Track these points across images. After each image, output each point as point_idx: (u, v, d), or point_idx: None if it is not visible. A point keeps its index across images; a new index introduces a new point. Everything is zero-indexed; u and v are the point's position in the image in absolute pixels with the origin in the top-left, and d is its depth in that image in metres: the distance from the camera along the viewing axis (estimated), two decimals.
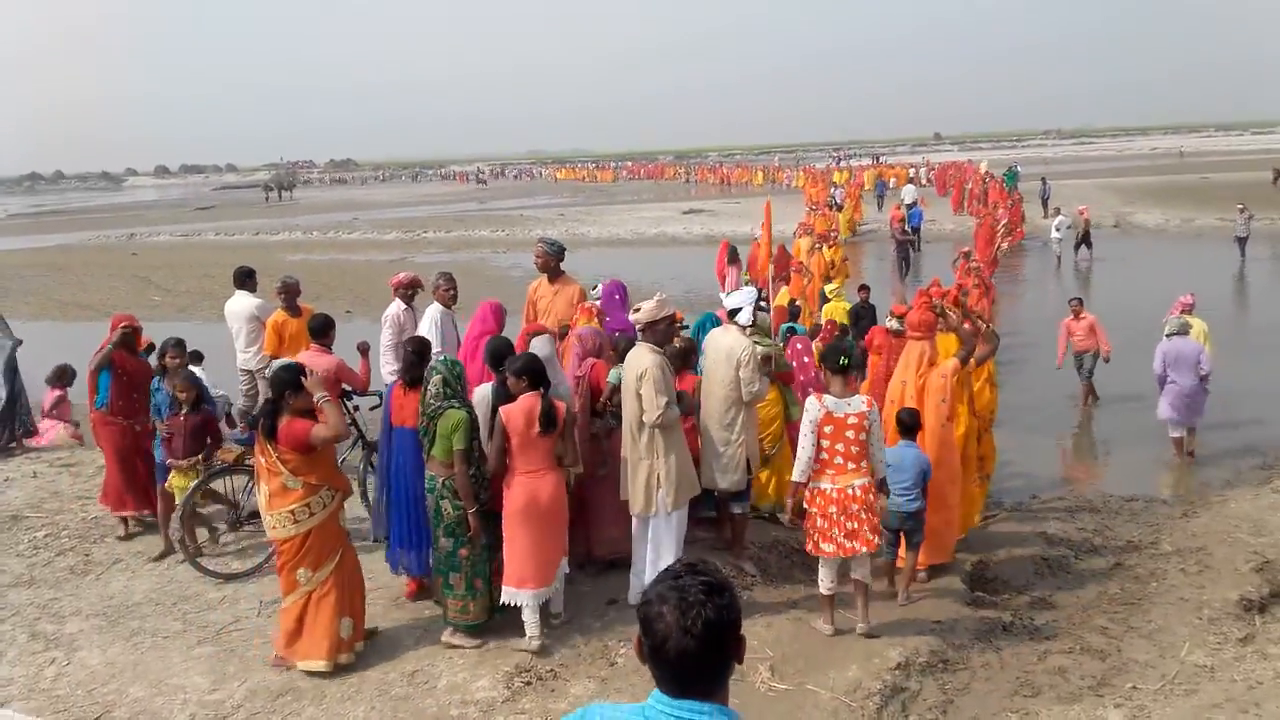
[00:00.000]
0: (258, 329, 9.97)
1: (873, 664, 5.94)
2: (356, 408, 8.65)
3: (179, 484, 7.72)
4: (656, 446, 6.31)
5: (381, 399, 9.22)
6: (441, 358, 6.50)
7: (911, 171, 58.61)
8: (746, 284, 14.57)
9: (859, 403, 6.19)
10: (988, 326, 8.75)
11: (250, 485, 7.77)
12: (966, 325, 7.97)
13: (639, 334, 6.58)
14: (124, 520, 8.44)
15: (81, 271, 34.59)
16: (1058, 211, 30.37)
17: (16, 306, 23.21)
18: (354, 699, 5.71)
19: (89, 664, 6.27)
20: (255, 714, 5.63)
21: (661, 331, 6.50)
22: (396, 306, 9.40)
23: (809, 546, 6.37)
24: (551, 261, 8.60)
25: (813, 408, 6.16)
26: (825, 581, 6.33)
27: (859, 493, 6.15)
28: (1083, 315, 13.41)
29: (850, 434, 6.15)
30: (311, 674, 5.94)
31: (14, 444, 11.16)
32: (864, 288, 15.16)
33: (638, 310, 6.51)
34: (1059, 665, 6.08)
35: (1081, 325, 13.33)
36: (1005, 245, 30.09)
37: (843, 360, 6.18)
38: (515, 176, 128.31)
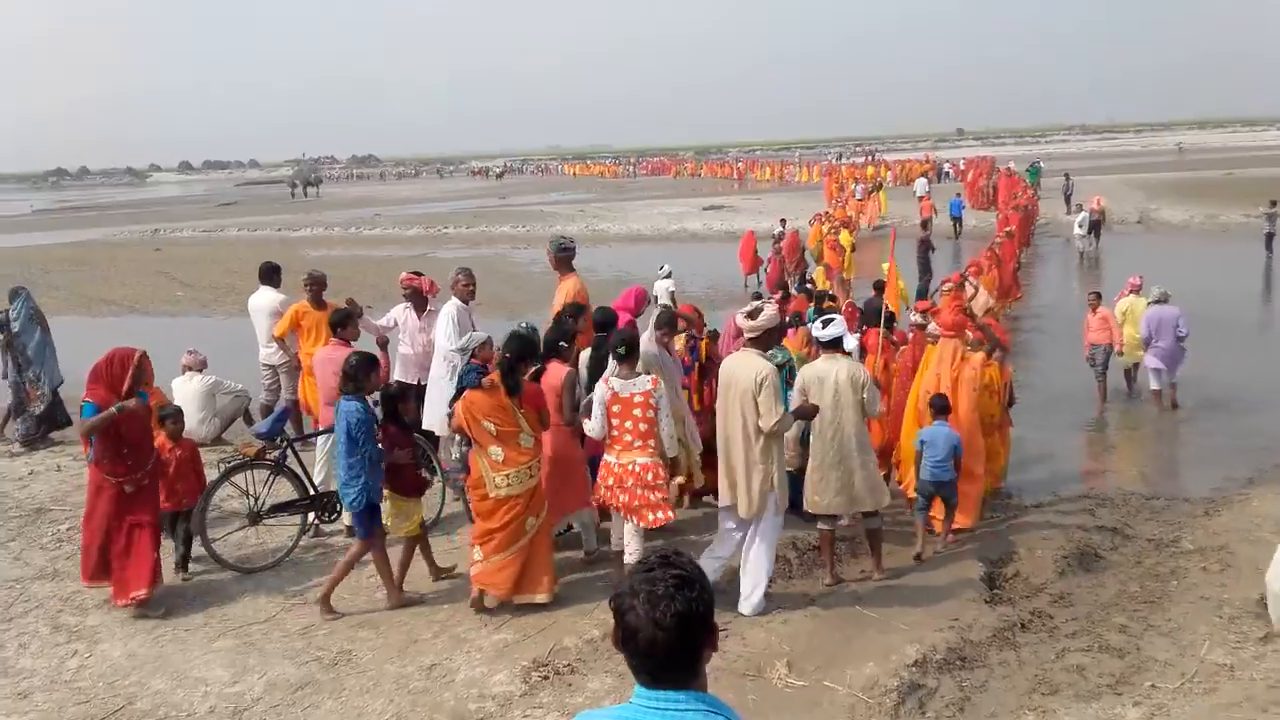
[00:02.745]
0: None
1: (890, 661, 5.93)
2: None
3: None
4: (771, 453, 6.51)
5: None
6: (524, 324, 7.38)
7: (946, 166, 58.88)
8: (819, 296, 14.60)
9: (644, 382, 6.56)
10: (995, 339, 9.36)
11: (271, 480, 7.82)
12: (990, 328, 8.86)
13: (748, 341, 6.65)
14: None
15: (106, 267, 34.86)
16: (1080, 208, 30.20)
17: (42, 301, 23.32)
18: (372, 692, 5.75)
19: (110, 656, 6.34)
20: (275, 706, 5.67)
21: (774, 338, 6.85)
22: (399, 306, 9.48)
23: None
24: (553, 259, 8.87)
25: (600, 389, 6.60)
26: (628, 547, 6.70)
27: (638, 469, 6.49)
28: (1098, 309, 13.37)
29: (637, 412, 6.50)
30: (529, 606, 6.61)
31: (38, 440, 11.24)
32: (879, 284, 15.08)
33: (754, 317, 6.64)
34: (1077, 663, 6.05)
35: (1095, 318, 13.29)
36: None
37: (622, 350, 6.59)
38: (532, 171, 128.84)
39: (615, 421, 6.56)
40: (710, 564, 6.67)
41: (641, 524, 6.58)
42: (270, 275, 10.59)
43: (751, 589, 6.63)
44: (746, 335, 6.66)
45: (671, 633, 2.12)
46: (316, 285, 9.72)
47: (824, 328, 7.20)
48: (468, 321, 8.86)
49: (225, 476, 7.69)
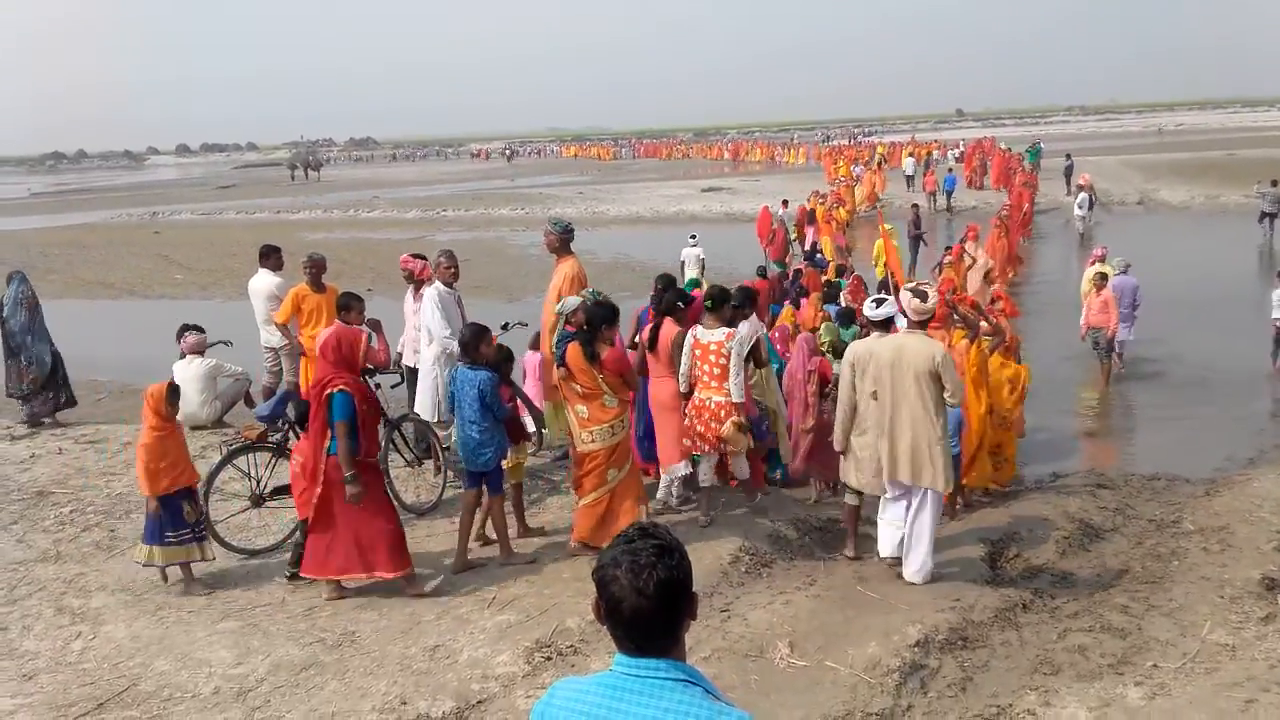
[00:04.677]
0: (278, 307, 9.99)
1: (892, 641, 5.94)
2: (378, 385, 8.68)
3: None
4: (944, 428, 6.81)
5: (403, 378, 9.27)
6: (591, 291, 8.05)
7: (955, 152, 59.38)
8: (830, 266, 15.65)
9: (720, 334, 7.58)
10: (992, 322, 9.61)
11: (273, 462, 7.82)
12: (973, 315, 9.27)
13: (914, 325, 6.85)
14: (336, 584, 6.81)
15: (104, 250, 34.80)
16: (1079, 189, 30.19)
17: (40, 285, 23.31)
18: (376, 673, 5.76)
19: (115, 638, 6.35)
20: (279, 688, 5.68)
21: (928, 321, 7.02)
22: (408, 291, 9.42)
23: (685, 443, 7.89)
24: (556, 241, 8.75)
25: (689, 336, 7.70)
26: (703, 476, 7.92)
27: (713, 405, 7.60)
28: (1103, 291, 13.39)
29: (712, 358, 7.56)
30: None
31: (49, 417, 11.24)
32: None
33: (923, 299, 6.81)
34: (1079, 643, 6.06)
35: (1099, 301, 13.32)
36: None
37: (709, 302, 7.67)
38: (528, 154, 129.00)
39: (698, 364, 7.64)
40: (891, 533, 7.00)
41: (708, 450, 7.70)
42: (268, 257, 10.55)
43: (921, 560, 6.85)
44: (914, 317, 6.82)
45: (655, 600, 2.17)
46: (316, 268, 9.69)
47: (877, 307, 7.26)
48: (453, 305, 8.81)
49: (228, 459, 7.70)
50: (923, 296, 6.82)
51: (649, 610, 2.18)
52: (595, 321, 7.17)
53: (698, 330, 7.68)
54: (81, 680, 5.87)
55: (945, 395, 6.67)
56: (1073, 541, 7.92)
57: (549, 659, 5.82)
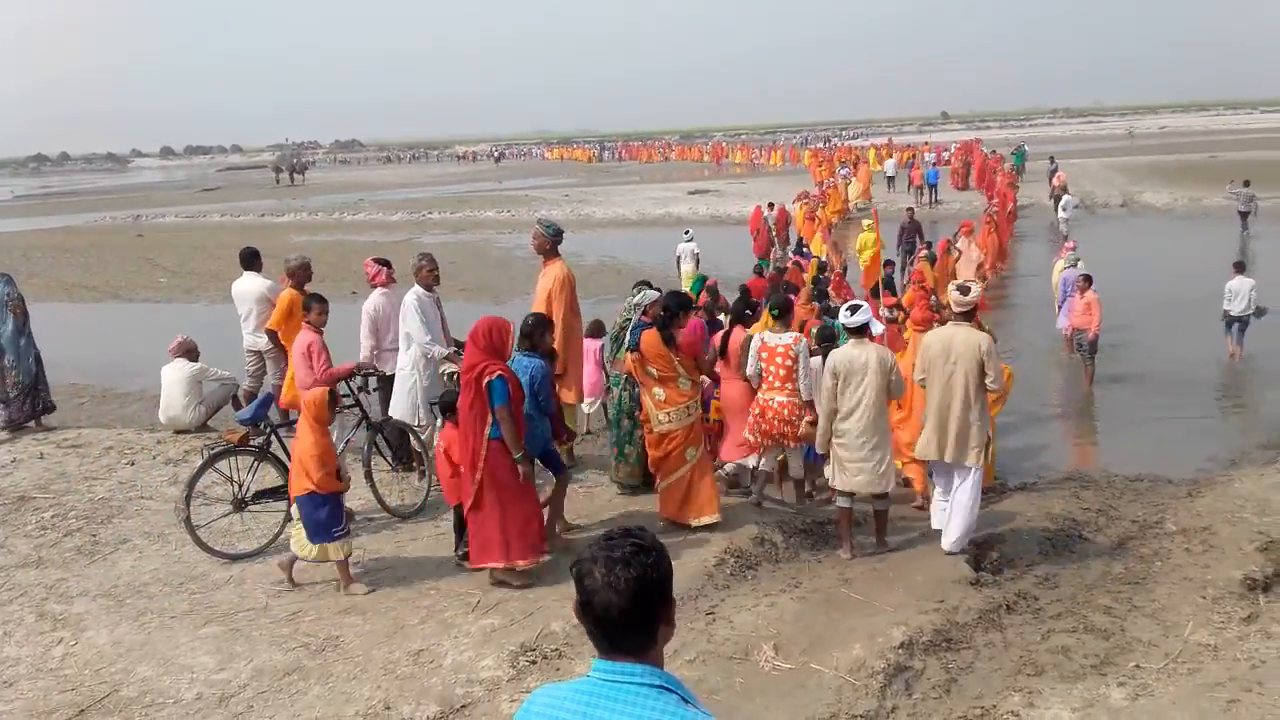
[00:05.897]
0: (268, 310, 9.94)
1: (876, 643, 5.95)
2: (362, 388, 8.65)
3: None
4: (984, 412, 7.32)
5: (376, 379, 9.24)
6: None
7: (940, 155, 59.84)
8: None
9: (788, 337, 8.13)
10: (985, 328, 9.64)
11: (255, 466, 7.78)
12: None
13: (962, 317, 7.33)
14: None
15: (87, 253, 34.63)
16: (1058, 190, 30.37)
17: (23, 288, 23.20)
18: (359, 678, 5.74)
19: (96, 644, 6.31)
20: (262, 693, 5.66)
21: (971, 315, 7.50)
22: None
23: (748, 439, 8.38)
24: (546, 244, 8.75)
25: (755, 340, 8.23)
26: (763, 464, 8.54)
27: (776, 405, 8.10)
28: (1086, 292, 13.46)
29: (779, 359, 8.05)
30: (702, 527, 7.58)
31: (33, 420, 11.18)
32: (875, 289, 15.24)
33: (965, 293, 7.35)
34: (1062, 644, 6.08)
35: (1081, 302, 13.39)
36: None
37: (773, 310, 8.33)
38: (515, 156, 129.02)
39: (764, 366, 8.12)
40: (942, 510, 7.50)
41: (783, 446, 8.28)
42: (252, 260, 10.50)
43: (961, 531, 7.35)
44: (957, 310, 7.34)
45: (626, 597, 2.19)
46: (303, 272, 9.64)
47: (851, 315, 7.51)
48: (432, 309, 8.79)
49: (209, 463, 7.64)
50: (964, 290, 7.32)
51: (619, 606, 2.19)
52: (674, 308, 7.78)
53: (765, 334, 8.21)
54: (63, 686, 5.83)
55: (987, 381, 7.15)
56: (1056, 542, 7.95)
57: (534, 663, 5.81)
